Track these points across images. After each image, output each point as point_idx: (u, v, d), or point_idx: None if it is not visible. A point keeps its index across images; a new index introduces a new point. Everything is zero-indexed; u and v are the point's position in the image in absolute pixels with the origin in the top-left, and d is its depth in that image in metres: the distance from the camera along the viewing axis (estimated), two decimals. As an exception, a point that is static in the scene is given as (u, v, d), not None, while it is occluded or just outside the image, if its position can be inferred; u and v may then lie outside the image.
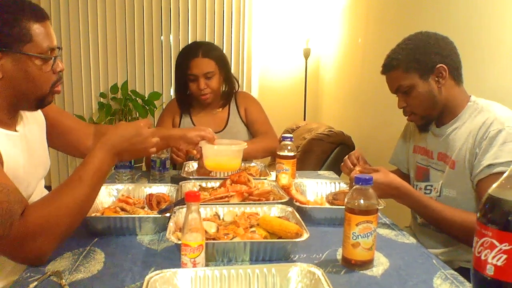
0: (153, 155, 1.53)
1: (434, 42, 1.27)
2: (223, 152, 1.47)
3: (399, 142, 1.58)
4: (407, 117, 1.38)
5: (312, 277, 0.80)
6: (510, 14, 1.56)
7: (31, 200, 1.09)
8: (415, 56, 1.27)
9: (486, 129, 1.19)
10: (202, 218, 0.87)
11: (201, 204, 1.05)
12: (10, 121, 1.06)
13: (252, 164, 1.80)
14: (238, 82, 2.01)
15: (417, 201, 1.20)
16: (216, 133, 1.84)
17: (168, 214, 1.09)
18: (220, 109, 1.99)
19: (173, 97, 2.14)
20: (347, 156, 1.43)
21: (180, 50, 1.93)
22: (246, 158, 1.88)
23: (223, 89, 1.97)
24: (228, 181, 1.39)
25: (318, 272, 0.81)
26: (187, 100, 1.96)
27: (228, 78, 1.94)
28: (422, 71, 1.27)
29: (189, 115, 1.97)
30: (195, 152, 1.55)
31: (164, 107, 2.10)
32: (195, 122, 1.95)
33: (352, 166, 1.37)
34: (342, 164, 1.43)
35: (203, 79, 1.83)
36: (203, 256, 0.85)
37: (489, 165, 1.15)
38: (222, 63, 1.89)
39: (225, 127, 1.96)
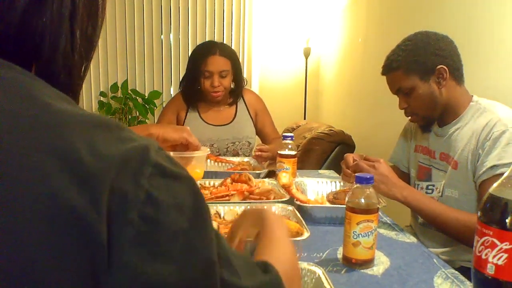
0: None
1: (434, 43, 1.26)
2: (181, 160, 1.18)
3: (399, 140, 1.58)
4: (408, 117, 1.38)
5: (313, 276, 0.81)
6: (510, 13, 1.56)
7: None
8: (415, 58, 1.26)
9: (489, 130, 1.18)
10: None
11: (201, 203, 1.05)
12: None
13: (246, 159, 1.86)
14: (245, 80, 2.08)
15: (419, 197, 1.21)
16: (223, 126, 2.00)
17: None
18: (228, 105, 2.05)
19: (173, 95, 2.17)
20: (344, 166, 1.39)
21: (196, 47, 2.01)
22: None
23: (232, 87, 2.03)
24: (229, 180, 1.39)
25: (319, 271, 0.81)
26: (195, 96, 2.00)
27: (238, 78, 2.00)
28: (422, 73, 1.26)
29: (197, 110, 2.02)
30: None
31: (164, 105, 2.13)
32: (203, 117, 2.01)
33: (350, 171, 1.35)
34: (342, 174, 1.42)
35: (218, 76, 1.88)
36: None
37: (493, 166, 1.14)
38: (236, 64, 1.96)
39: (232, 120, 2.02)
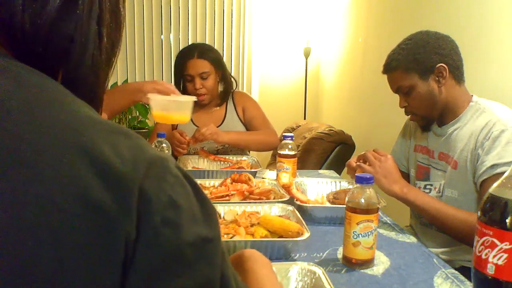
0: None
1: (434, 42, 1.26)
2: (170, 103, 1.35)
3: (398, 140, 1.58)
4: (408, 116, 1.38)
5: (313, 276, 0.81)
6: (510, 13, 1.56)
7: None
8: (415, 56, 1.26)
9: (488, 130, 1.18)
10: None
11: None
12: None
13: (243, 158, 1.86)
14: (236, 81, 2.07)
15: (419, 195, 1.22)
16: None
17: None
18: (218, 107, 2.06)
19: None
20: (350, 173, 1.38)
21: (179, 51, 2.01)
22: (247, 148, 2.02)
23: (220, 88, 2.03)
24: (229, 180, 1.39)
25: (319, 271, 0.81)
26: None
27: (224, 78, 2.00)
28: (421, 71, 1.26)
29: None
30: (191, 141, 1.69)
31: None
32: (194, 120, 2.01)
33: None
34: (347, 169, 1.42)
35: (199, 79, 1.90)
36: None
37: (493, 166, 1.14)
38: (218, 63, 1.95)
39: (221, 123, 2.02)
